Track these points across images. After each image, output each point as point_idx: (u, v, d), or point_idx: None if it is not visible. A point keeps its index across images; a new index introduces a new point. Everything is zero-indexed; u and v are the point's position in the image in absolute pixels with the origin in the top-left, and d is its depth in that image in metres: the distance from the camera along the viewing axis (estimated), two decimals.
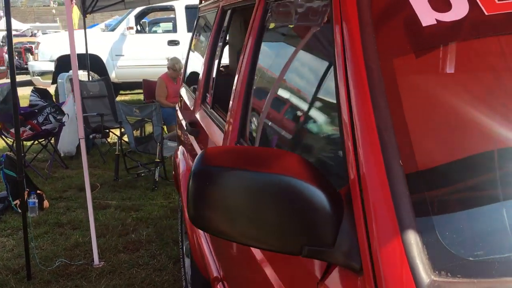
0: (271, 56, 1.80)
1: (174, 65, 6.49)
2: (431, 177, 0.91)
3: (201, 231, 2.43)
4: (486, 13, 1.03)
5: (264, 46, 1.76)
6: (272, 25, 1.70)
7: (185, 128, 2.66)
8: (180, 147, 3.14)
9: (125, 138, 5.82)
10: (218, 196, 0.94)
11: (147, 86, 7.13)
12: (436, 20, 1.04)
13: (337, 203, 0.92)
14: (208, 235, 2.28)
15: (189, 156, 2.75)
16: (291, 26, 1.55)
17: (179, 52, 9.03)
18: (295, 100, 1.50)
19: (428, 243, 0.80)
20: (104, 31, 10.30)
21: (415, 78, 1.02)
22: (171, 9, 9.64)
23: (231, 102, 1.85)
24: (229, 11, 2.45)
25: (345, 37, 1.07)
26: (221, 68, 2.48)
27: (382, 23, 1.08)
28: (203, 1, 3.39)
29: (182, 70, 6.59)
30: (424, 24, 1.03)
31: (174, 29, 10.03)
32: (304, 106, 1.44)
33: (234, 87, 1.85)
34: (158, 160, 5.24)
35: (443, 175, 0.91)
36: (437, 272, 0.78)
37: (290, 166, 0.94)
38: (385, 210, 0.85)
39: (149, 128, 6.53)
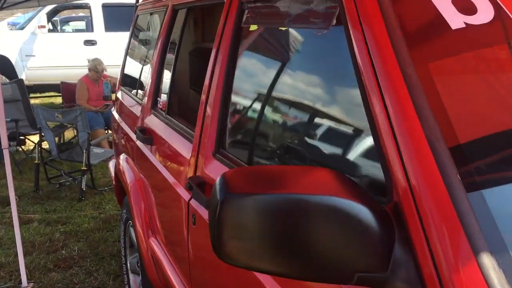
0: (254, 60, 1.69)
1: (96, 67, 6.13)
2: (488, 185, 0.85)
3: (156, 245, 2.26)
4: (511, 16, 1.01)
5: (243, 49, 1.64)
6: (253, 27, 1.59)
7: (135, 135, 2.46)
8: (123, 155, 2.92)
9: (45, 145, 5.38)
10: (254, 226, 0.82)
11: (66, 89, 6.68)
12: (465, 23, 0.99)
13: (387, 222, 0.83)
14: (168, 249, 2.11)
15: (138, 165, 2.56)
16: (282, 28, 1.45)
17: (96, 52, 8.57)
18: (296, 105, 1.40)
19: (504, 265, 0.74)
20: (11, 29, 9.54)
21: (451, 81, 0.96)
22: (86, 7, 9.13)
23: (204, 109, 1.71)
24: (182, 11, 2.29)
25: (370, 42, 0.99)
26: (176, 72, 2.32)
27: (408, 27, 1.01)
28: (141, 1, 3.19)
29: (107, 72, 6.30)
30: (453, 27, 0.98)
31: (89, 28, 9.51)
32: (307, 112, 1.35)
33: (206, 93, 1.72)
34: (85, 168, 4.90)
35: (502, 181, 0.86)
36: None
37: (327, 183, 0.84)
38: (452, 229, 0.77)
39: (69, 134, 6.11)
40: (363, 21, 1.02)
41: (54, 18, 9.70)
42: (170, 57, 2.38)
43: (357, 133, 1.12)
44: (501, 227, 0.79)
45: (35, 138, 5.46)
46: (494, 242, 0.76)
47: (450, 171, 0.82)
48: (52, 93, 9.81)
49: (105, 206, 4.73)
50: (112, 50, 8.61)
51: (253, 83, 1.69)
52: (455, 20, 0.99)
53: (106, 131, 6.26)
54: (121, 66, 3.39)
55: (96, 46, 8.82)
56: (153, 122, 2.35)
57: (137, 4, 3.24)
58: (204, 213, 1.60)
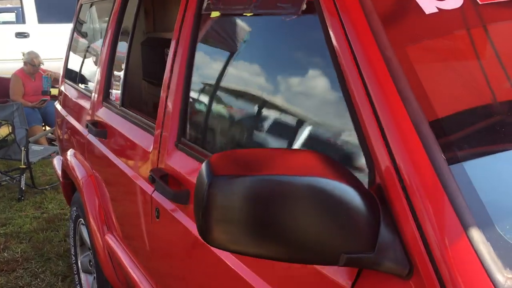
0: (215, 49, 1.66)
1: (32, 60, 5.83)
2: (468, 159, 0.88)
3: (113, 241, 2.19)
4: (480, 3, 1.05)
5: (204, 37, 1.61)
6: (215, 14, 1.56)
7: (87, 129, 2.36)
8: (71, 151, 2.80)
9: None
10: (240, 208, 0.81)
11: None
12: (437, 8, 1.02)
13: (372, 203, 0.84)
14: (128, 245, 2.06)
15: (90, 160, 2.46)
16: (247, 14, 1.43)
17: (30, 46, 8.18)
18: (260, 92, 1.39)
19: (491, 239, 0.77)
20: None
21: (428, 63, 0.99)
22: None
23: (165, 100, 1.67)
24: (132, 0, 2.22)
25: (348, 28, 0.99)
26: (130, 64, 2.24)
27: (384, 13, 1.02)
28: None
29: (44, 65, 6.00)
30: (427, 12, 1.01)
31: (20, 20, 9.04)
32: (271, 99, 1.35)
33: (167, 84, 1.67)
34: (24, 167, 4.67)
35: (479, 154, 0.90)
36: (509, 270, 0.75)
37: (312, 165, 0.84)
38: (440, 207, 0.79)
39: (2, 131, 5.79)
40: (339, 6, 1.03)
41: None
42: (122, 48, 2.30)
43: (329, 120, 1.13)
44: (484, 201, 0.82)
45: None
46: (480, 216, 0.79)
47: (435, 149, 0.84)
48: None
49: (47, 206, 4.53)
50: (47, 43, 8.24)
51: (214, 72, 1.67)
52: (429, 5, 1.01)
53: (44, 128, 6.00)
54: (64, 58, 3.24)
55: (29, 39, 8.40)
56: (107, 115, 2.26)
57: None
58: (168, 205, 1.56)
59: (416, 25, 1.02)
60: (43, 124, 5.97)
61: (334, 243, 0.82)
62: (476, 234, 0.77)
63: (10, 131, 5.61)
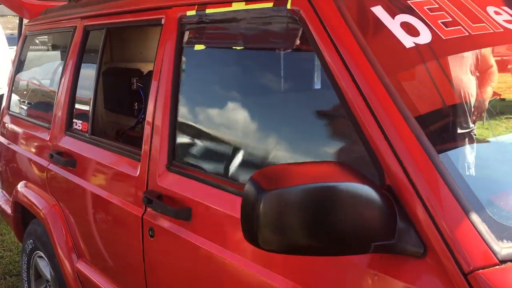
0: (197, 76, 1.82)
1: None
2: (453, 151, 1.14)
3: (85, 268, 2.23)
4: (444, 38, 1.32)
5: (189, 67, 1.77)
6: (198, 47, 1.72)
7: (51, 159, 2.38)
8: (22, 183, 2.77)
9: None
10: (289, 214, 0.99)
11: None
12: (414, 43, 1.27)
13: (387, 200, 1.05)
14: (112, 270, 2.10)
15: (53, 190, 2.47)
16: (237, 48, 1.61)
17: None
18: (244, 111, 1.59)
19: (486, 220, 1.01)
20: None
21: (412, 83, 1.25)
22: None
23: (151, 127, 1.78)
24: (99, 31, 2.31)
25: (347, 59, 1.21)
26: (98, 93, 2.31)
27: (373, 46, 1.26)
28: (29, 20, 3.06)
29: None
30: (407, 47, 1.26)
31: None
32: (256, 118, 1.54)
33: (152, 113, 1.79)
34: None
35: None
36: (502, 241, 0.99)
37: (338, 172, 1.04)
38: (445, 197, 1.02)
39: None
40: (336, 41, 1.25)
41: None
42: (86, 78, 2.37)
43: (334, 136, 1.34)
44: (474, 189, 1.06)
45: None
46: (474, 203, 1.03)
47: (432, 151, 1.07)
48: None
49: None
50: None
51: (198, 100, 1.83)
52: (407, 41, 1.27)
53: None
54: (7, 89, 3.19)
55: None
56: (73, 145, 2.31)
57: (25, 24, 3.09)
58: (164, 223, 1.67)
59: (401, 56, 1.27)
60: None
61: (365, 235, 1.02)
62: (474, 217, 1.00)
63: None
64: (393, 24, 1.30)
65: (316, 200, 0.99)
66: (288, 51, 1.43)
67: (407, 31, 1.29)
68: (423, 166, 1.06)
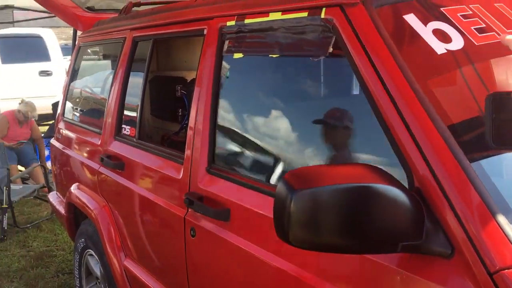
0: (236, 84, 1.90)
1: (27, 112, 5.87)
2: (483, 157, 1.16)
3: (133, 267, 2.34)
4: (476, 44, 1.34)
5: (228, 75, 1.85)
6: (237, 55, 1.80)
7: (101, 162, 2.52)
8: (75, 185, 2.93)
9: None
10: (321, 212, 1.04)
11: None
12: (446, 49, 1.30)
13: (416, 202, 1.09)
14: (153, 267, 2.21)
15: (103, 191, 2.61)
16: (273, 55, 1.69)
17: None
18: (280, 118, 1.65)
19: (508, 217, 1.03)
20: None
21: (443, 89, 1.27)
22: None
23: (193, 133, 1.88)
24: (147, 42, 2.44)
25: (378, 65, 1.26)
26: (145, 101, 2.45)
27: (405, 52, 1.30)
28: (83, 32, 3.25)
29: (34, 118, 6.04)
30: (439, 53, 1.29)
31: None
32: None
33: (194, 119, 1.88)
34: (6, 206, 4.68)
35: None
36: None
37: (368, 174, 1.08)
38: (472, 199, 1.05)
39: None
40: (368, 49, 1.29)
41: None
42: (134, 86, 2.50)
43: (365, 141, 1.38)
44: (502, 192, 1.08)
45: None
46: (501, 205, 1.05)
47: (460, 154, 1.10)
48: None
49: (31, 244, 4.54)
50: (11, 82, 8.25)
51: (237, 106, 1.91)
52: (439, 47, 1.30)
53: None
54: (62, 97, 3.39)
55: None
56: (122, 149, 2.44)
57: (79, 36, 3.28)
58: (205, 224, 1.76)
59: (432, 63, 1.30)
60: (17, 163, 5.97)
61: (393, 235, 1.05)
62: (501, 218, 1.03)
63: None
64: (425, 31, 1.33)
65: (347, 200, 1.03)
66: (321, 58, 1.48)
67: (439, 38, 1.32)
68: (451, 169, 1.09)
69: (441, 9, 1.41)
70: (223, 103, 1.86)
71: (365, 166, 1.12)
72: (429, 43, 1.30)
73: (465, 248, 1.03)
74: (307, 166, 1.23)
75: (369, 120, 1.33)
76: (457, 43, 1.32)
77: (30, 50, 8.93)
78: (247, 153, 1.83)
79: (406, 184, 1.15)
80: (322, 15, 1.42)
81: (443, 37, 1.33)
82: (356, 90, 1.60)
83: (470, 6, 1.42)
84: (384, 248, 1.08)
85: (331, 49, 1.43)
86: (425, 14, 1.39)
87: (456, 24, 1.37)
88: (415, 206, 1.07)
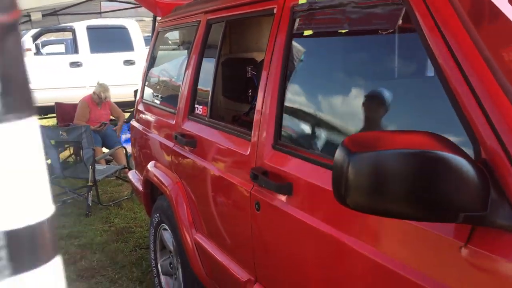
0: (305, 63, 1.91)
1: (100, 93, 6.29)
2: None
3: (203, 241, 2.42)
4: None
5: (297, 54, 1.87)
6: (308, 32, 1.81)
7: (175, 140, 2.64)
8: (151, 163, 3.08)
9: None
10: (380, 179, 1.03)
11: (60, 109, 6.77)
12: None
13: (481, 172, 1.05)
14: (221, 242, 2.29)
15: (176, 169, 2.73)
16: (342, 31, 1.68)
17: (82, 74, 8.74)
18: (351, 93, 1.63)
19: None
20: None
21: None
22: (70, 30, 9.23)
23: (261, 111, 1.92)
24: (219, 24, 2.51)
25: (449, 37, 1.22)
26: (217, 81, 2.52)
27: (478, 22, 1.25)
28: (161, 18, 3.39)
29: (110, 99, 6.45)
30: None
31: (70, 51, 9.61)
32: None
33: (262, 98, 1.92)
34: (91, 184, 5.01)
35: None
36: None
37: (430, 141, 1.06)
38: None
39: (66, 152, 6.20)
40: (439, 22, 1.26)
41: (36, 42, 9.76)
42: (207, 67, 2.58)
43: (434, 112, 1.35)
44: None
45: None
46: None
47: None
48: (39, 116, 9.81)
49: (113, 220, 4.84)
50: (98, 71, 8.74)
51: (304, 85, 1.92)
52: None
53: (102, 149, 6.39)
54: (141, 81, 3.56)
55: (82, 68, 8.92)
56: (194, 127, 2.53)
57: (158, 21, 3.43)
58: (269, 198, 1.80)
59: (506, 31, 1.24)
60: (102, 145, 6.35)
61: (454, 204, 1.03)
62: None
63: (71, 152, 6.01)
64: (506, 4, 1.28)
65: (411, 165, 1.02)
66: (392, 33, 1.46)
67: None
68: None
69: None
70: (291, 82, 1.88)
71: (429, 134, 1.09)
72: (504, 12, 1.25)
73: None
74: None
75: (434, 91, 1.30)
76: None
77: (116, 40, 9.39)
78: (311, 130, 1.85)
79: (472, 156, 1.12)
80: None
81: None
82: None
83: None
84: (445, 217, 1.06)
85: (400, 22, 1.41)
86: None
87: None
88: (481, 177, 1.04)
